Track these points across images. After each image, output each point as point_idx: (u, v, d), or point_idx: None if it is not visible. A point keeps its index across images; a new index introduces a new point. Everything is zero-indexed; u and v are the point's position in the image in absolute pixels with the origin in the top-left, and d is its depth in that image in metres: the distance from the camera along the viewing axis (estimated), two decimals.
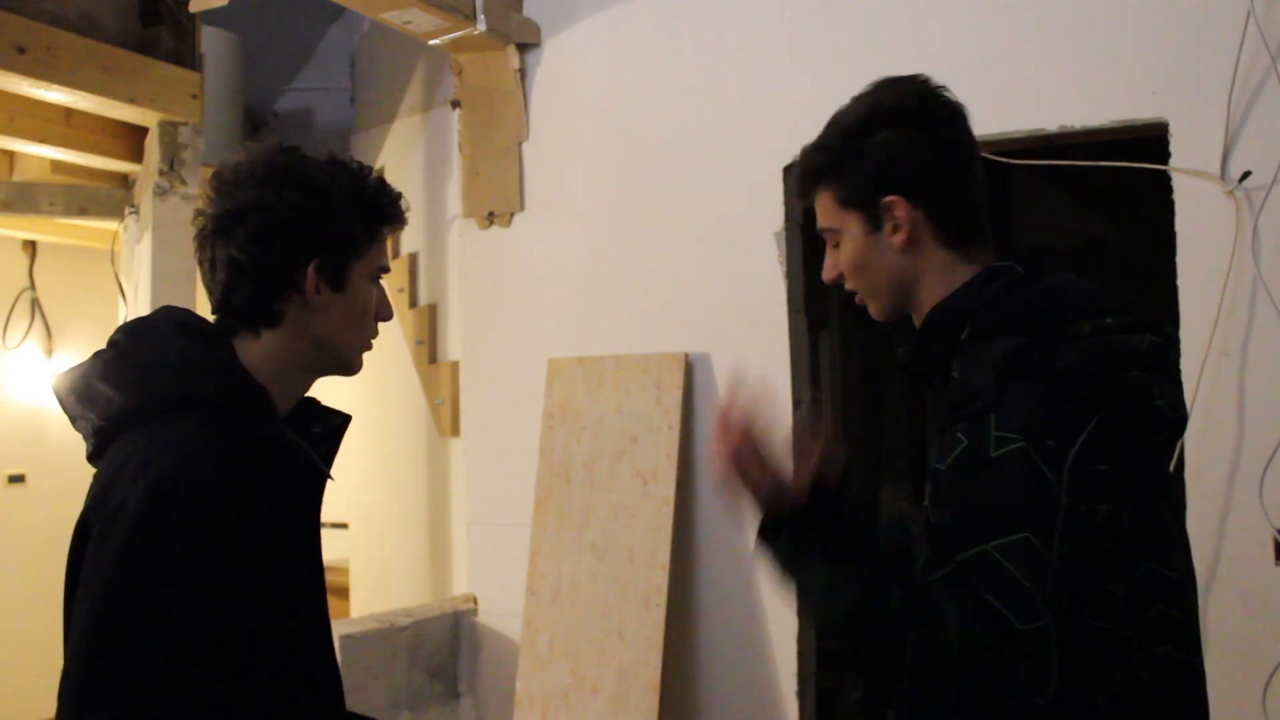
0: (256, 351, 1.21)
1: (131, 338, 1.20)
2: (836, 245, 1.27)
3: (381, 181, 1.28)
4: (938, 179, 1.22)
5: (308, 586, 1.23)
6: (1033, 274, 1.20)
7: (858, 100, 1.25)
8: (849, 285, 1.28)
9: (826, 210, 1.26)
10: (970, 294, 1.20)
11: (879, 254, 1.23)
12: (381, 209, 1.27)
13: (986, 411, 1.08)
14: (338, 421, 1.32)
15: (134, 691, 1.01)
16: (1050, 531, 1.04)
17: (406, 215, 1.32)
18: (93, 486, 1.13)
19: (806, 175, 1.28)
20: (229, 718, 1.06)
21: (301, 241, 1.19)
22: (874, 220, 1.22)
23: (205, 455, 1.09)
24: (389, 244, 1.49)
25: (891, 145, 1.20)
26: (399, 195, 1.31)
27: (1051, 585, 1.03)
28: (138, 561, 1.04)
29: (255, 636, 1.09)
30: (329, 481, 1.27)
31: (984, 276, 1.20)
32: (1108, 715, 1.08)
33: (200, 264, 1.23)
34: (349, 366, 1.31)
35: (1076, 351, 1.11)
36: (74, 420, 1.19)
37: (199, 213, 1.23)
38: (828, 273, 1.30)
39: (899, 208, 1.20)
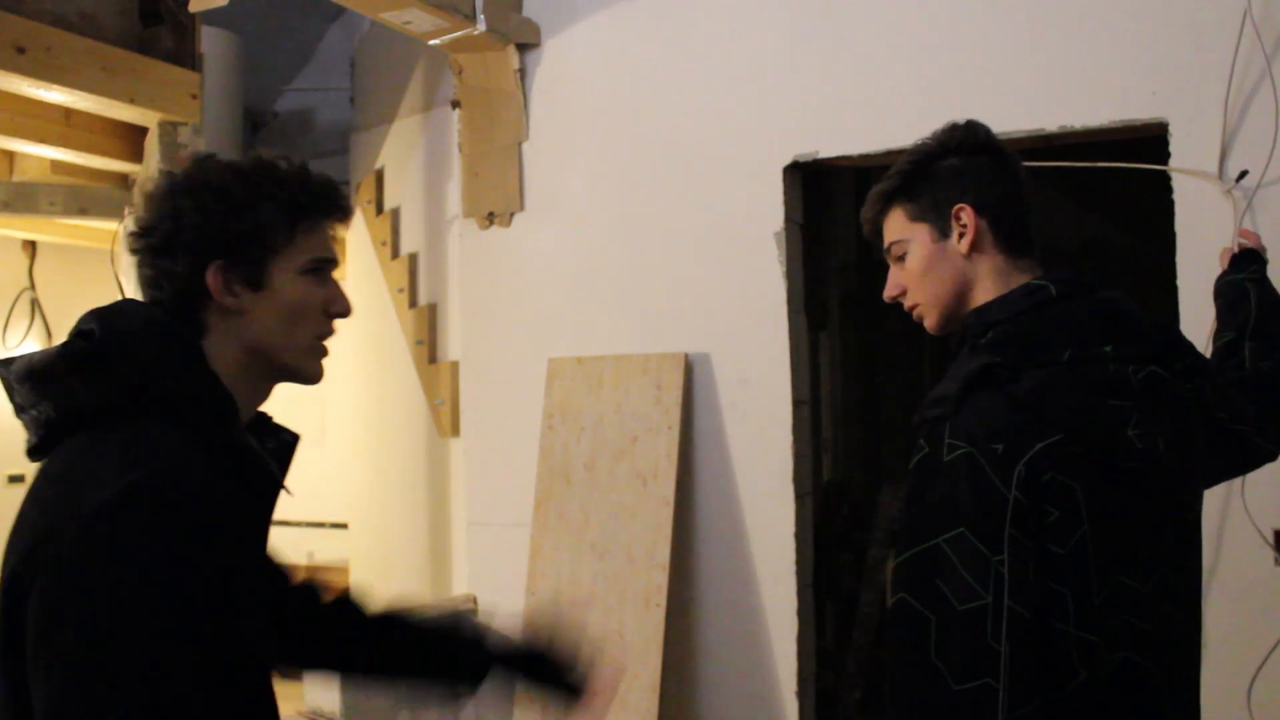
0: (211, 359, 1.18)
1: (106, 330, 1.14)
2: (901, 258, 1.39)
3: (306, 174, 1.23)
4: (997, 192, 1.36)
5: (265, 592, 1.21)
6: (1065, 295, 1.28)
7: (924, 140, 1.40)
8: (911, 298, 1.39)
9: (897, 226, 1.39)
10: (1006, 304, 1.30)
11: (945, 259, 1.35)
12: (299, 203, 1.21)
13: (944, 420, 1.20)
14: (289, 439, 1.29)
15: (146, 698, 0.98)
16: (994, 527, 1.14)
17: (343, 204, 1.27)
18: (39, 486, 1.08)
19: (880, 197, 1.41)
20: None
21: (200, 246, 1.16)
22: (942, 228, 1.35)
23: (187, 461, 1.06)
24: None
25: (957, 166, 1.36)
26: (330, 187, 1.24)
27: (998, 573, 1.14)
28: (127, 569, 0.99)
29: (230, 642, 1.06)
30: (285, 492, 1.24)
31: (1023, 291, 1.30)
32: (1065, 710, 1.17)
33: None
34: (297, 371, 1.24)
35: (1042, 375, 1.22)
36: (19, 410, 1.13)
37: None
38: (889, 290, 1.41)
39: (965, 214, 1.33)
